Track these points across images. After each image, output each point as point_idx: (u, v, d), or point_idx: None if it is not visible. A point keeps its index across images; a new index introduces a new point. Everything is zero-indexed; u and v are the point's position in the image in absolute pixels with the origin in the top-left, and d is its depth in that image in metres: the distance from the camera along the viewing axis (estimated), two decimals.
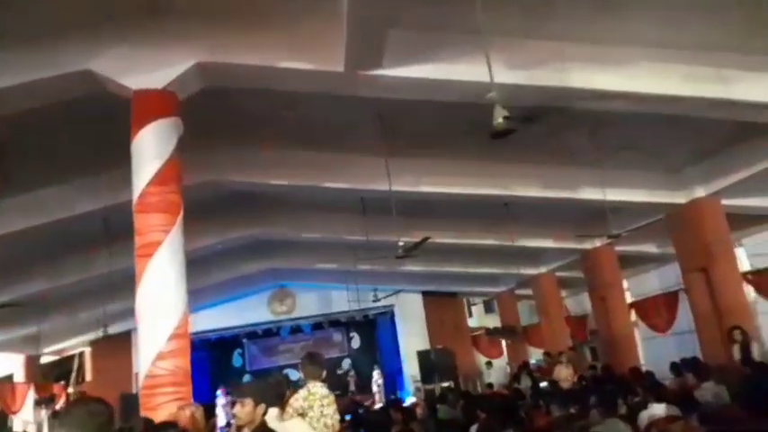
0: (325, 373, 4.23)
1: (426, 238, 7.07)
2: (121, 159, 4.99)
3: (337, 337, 18.90)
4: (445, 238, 10.24)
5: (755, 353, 7.35)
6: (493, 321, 18.20)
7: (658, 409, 5.35)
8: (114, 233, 8.22)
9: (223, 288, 14.40)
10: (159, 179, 4.65)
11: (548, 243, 11.36)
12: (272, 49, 4.91)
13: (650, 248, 11.68)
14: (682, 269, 8.96)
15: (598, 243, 11.19)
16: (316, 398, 3.88)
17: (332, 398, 4.07)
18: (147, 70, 4.82)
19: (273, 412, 3.27)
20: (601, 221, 10.35)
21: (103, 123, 5.73)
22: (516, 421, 5.88)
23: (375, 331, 18.70)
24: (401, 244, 6.85)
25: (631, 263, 12.42)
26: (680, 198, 8.64)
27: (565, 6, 4.91)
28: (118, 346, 13.57)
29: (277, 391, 3.35)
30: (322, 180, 8.12)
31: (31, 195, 7.46)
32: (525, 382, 10.59)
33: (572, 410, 6.50)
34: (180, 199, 4.80)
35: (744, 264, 9.52)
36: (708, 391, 5.52)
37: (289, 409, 3.82)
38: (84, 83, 4.92)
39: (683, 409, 4.75)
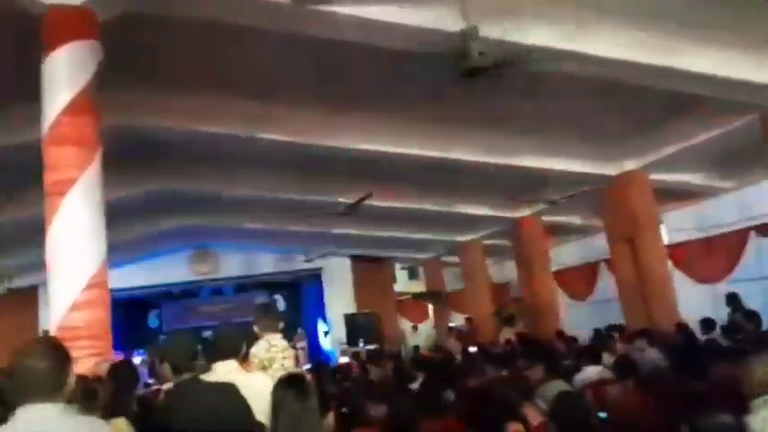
0: (282, 325, 3.93)
1: (369, 194, 6.81)
2: (32, 91, 4.37)
3: (261, 300, 18.44)
4: (382, 202, 10.01)
5: None
6: (416, 287, 18.38)
7: (592, 372, 5.44)
8: (19, 175, 7.43)
9: (140, 245, 13.56)
10: (74, 109, 4.09)
11: (482, 210, 11.40)
12: None
13: (575, 220, 12.02)
14: (609, 239, 9.23)
15: (527, 212, 11.37)
16: (278, 350, 3.57)
17: (291, 351, 3.79)
18: None
19: (230, 366, 2.94)
20: (532, 191, 10.54)
21: (8, 48, 5.03)
22: (451, 381, 5.87)
23: (300, 294, 18.42)
24: (340, 200, 6.56)
25: (554, 234, 12.74)
26: (611, 170, 8.83)
27: None
28: (23, 303, 12.67)
29: (235, 343, 3.00)
30: (255, 131, 7.61)
31: None
32: (454, 346, 10.71)
33: (504, 372, 6.60)
34: (97, 134, 4.26)
35: (663, 238, 9.90)
36: (646, 356, 5.66)
37: (254, 360, 3.49)
38: None
39: (620, 372, 4.82)
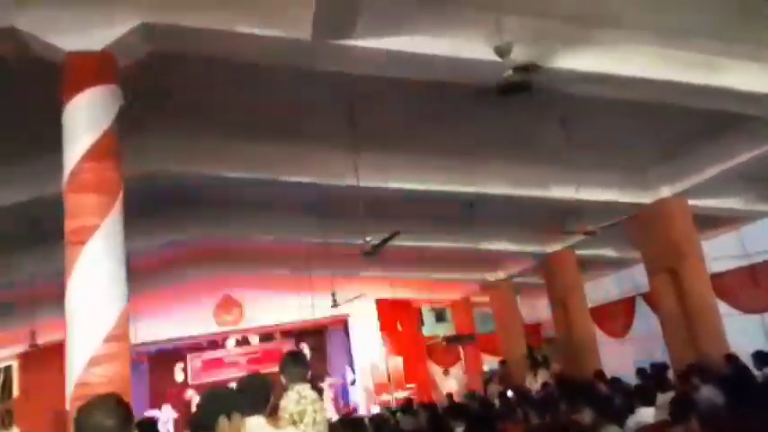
0: (309, 374, 3.65)
1: (396, 233, 6.58)
2: (52, 143, 4.29)
3: (287, 348, 18.10)
4: (408, 242, 9.73)
5: None
6: (444, 330, 17.91)
7: (646, 414, 5.03)
8: (43, 231, 7.35)
9: (164, 297, 13.44)
10: (95, 154, 3.96)
11: (510, 246, 11.07)
12: (230, 10, 4.33)
13: (609, 252, 11.60)
14: (648, 271, 8.81)
15: (559, 246, 11.01)
16: (308, 402, 3.28)
17: (321, 403, 3.50)
18: (83, 29, 4.14)
19: (259, 420, 2.68)
20: (563, 223, 10.20)
21: (28, 96, 4.99)
22: (493, 430, 5.49)
23: (326, 342, 18.06)
24: (369, 239, 6.32)
25: (587, 269, 12.32)
26: (645, 198, 8.50)
27: None
28: (50, 359, 12.51)
29: (263, 395, 2.75)
30: (279, 173, 7.48)
31: None
32: (494, 390, 10.24)
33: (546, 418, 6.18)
34: (119, 179, 4.13)
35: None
36: (702, 394, 5.23)
37: (284, 415, 3.20)
38: (5, 43, 4.20)
39: (679, 413, 4.41)
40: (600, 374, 9.33)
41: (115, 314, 3.67)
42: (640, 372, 8.51)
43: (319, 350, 17.98)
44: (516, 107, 6.36)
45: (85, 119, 4.04)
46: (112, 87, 4.24)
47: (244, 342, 17.51)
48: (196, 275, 12.52)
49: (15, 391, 13.75)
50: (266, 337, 17.22)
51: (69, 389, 3.54)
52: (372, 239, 6.37)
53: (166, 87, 5.63)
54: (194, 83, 5.74)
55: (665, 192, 8.34)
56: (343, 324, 17.02)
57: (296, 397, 3.29)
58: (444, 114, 6.60)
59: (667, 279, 8.35)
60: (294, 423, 3.16)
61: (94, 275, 3.69)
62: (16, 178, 6.70)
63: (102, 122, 4.02)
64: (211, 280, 13.27)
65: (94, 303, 3.64)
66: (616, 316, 12.51)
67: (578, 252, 11.08)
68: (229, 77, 5.61)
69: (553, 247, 11.03)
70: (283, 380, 3.46)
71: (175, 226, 9.52)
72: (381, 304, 16.60)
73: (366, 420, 7.85)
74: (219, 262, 12.43)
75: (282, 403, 3.24)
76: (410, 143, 7.26)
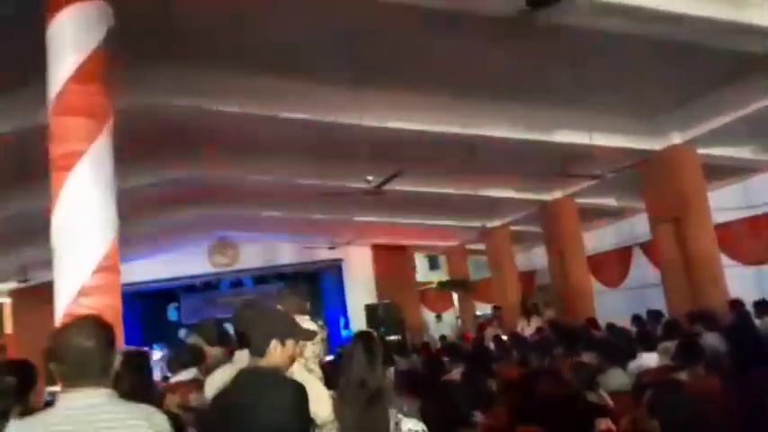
0: (308, 306, 3.49)
1: (399, 171, 6.36)
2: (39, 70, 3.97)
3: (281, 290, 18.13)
4: (406, 186, 9.53)
5: None
6: (437, 277, 17.97)
7: (649, 360, 4.97)
8: (33, 164, 7.08)
9: (158, 237, 13.29)
10: (81, 76, 3.69)
11: (511, 193, 10.90)
12: None
13: (609, 201, 11.46)
14: (651, 219, 8.68)
15: (560, 194, 10.84)
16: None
17: (323, 334, 3.36)
18: None
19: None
20: (567, 169, 10.00)
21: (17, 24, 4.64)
22: (491, 371, 5.45)
23: (320, 286, 18.10)
24: (370, 178, 6.11)
25: (586, 218, 12.20)
26: (656, 144, 8.27)
27: None
28: (41, 298, 12.54)
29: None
30: (276, 109, 7.18)
31: None
32: (490, 333, 10.28)
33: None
34: (108, 104, 3.86)
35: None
36: (705, 341, 5.16)
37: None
38: None
39: (686, 358, 4.34)
40: (593, 322, 9.31)
41: (105, 244, 3.49)
42: (636, 319, 8.50)
43: (313, 294, 18.06)
44: (526, 44, 6.11)
45: (71, 37, 3.75)
46: (101, 4, 3.92)
47: (237, 284, 17.51)
48: (191, 216, 12.33)
49: (8, 327, 13.78)
50: (260, 279, 17.19)
51: (57, 321, 3.38)
52: (373, 180, 6.14)
53: (167, 15, 5.27)
54: (196, 13, 5.39)
55: (676, 138, 8.10)
56: (337, 268, 17.00)
57: None
58: (452, 50, 6.27)
59: (670, 228, 8.23)
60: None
61: (82, 203, 3.49)
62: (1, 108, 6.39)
63: (89, 42, 3.74)
64: (206, 221, 13.09)
65: (83, 232, 3.44)
66: (612, 265, 12.49)
67: (578, 201, 10.92)
68: (231, 7, 5.27)
69: (554, 195, 10.86)
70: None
71: (172, 163, 9.26)
72: (376, 249, 16.58)
73: None
74: (215, 202, 12.22)
75: None
76: (415, 81, 6.94)
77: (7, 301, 13.80)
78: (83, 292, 3.35)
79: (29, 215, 8.74)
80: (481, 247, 14.89)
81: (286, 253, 16.10)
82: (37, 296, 12.47)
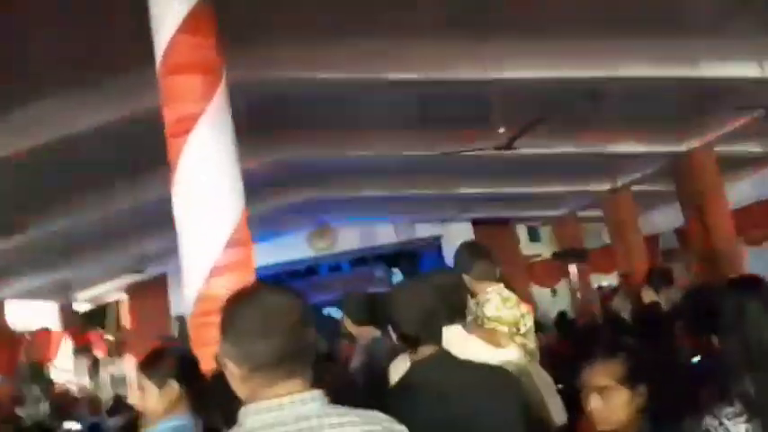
0: (499, 272, 2.86)
1: (540, 119, 5.57)
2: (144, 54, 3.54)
3: (379, 272, 17.81)
4: (523, 148, 8.63)
5: None
6: (539, 249, 16.94)
7: None
8: (139, 155, 6.92)
9: (258, 224, 13.17)
10: (190, 26, 3.21)
11: (636, 147, 9.75)
12: None
13: (753, 147, 10.05)
14: None
15: (696, 143, 9.57)
16: (514, 305, 2.47)
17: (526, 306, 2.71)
18: None
19: (460, 332, 1.91)
20: (701, 113, 8.81)
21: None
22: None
23: (419, 265, 17.57)
24: (502, 131, 5.38)
25: (724, 168, 10.81)
26: None
27: None
28: (153, 291, 12.94)
29: (458, 298, 1.97)
30: (382, 70, 6.57)
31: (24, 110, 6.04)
32: (619, 306, 9.24)
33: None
34: (221, 60, 3.37)
35: None
36: None
37: (497, 326, 2.40)
38: None
39: None
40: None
41: (234, 214, 3.01)
42: None
43: (413, 274, 17.58)
44: None
45: None
46: None
47: (336, 268, 17.35)
48: (291, 198, 12.08)
49: (125, 322, 14.27)
50: (358, 260, 16.90)
51: (188, 305, 2.93)
52: (499, 135, 5.40)
53: None
54: None
55: None
56: (437, 248, 16.39)
57: (498, 300, 2.46)
58: None
59: None
60: (512, 336, 2.35)
61: (204, 169, 3.01)
62: (104, 96, 6.18)
63: None
64: (305, 204, 12.82)
65: (208, 201, 2.97)
66: (757, 221, 11.02)
67: (718, 149, 9.62)
68: None
69: (689, 145, 9.59)
70: (467, 280, 2.64)
71: (272, 145, 8.91)
72: (476, 224, 15.80)
73: None
74: (311, 185, 11.92)
75: (489, 311, 2.40)
76: (539, 25, 6.09)
77: (123, 296, 14.26)
78: (215, 272, 2.88)
79: (141, 208, 8.75)
80: (595, 213, 13.74)
81: (384, 234, 15.68)
82: (149, 290, 12.83)
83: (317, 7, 5.58)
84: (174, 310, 12.39)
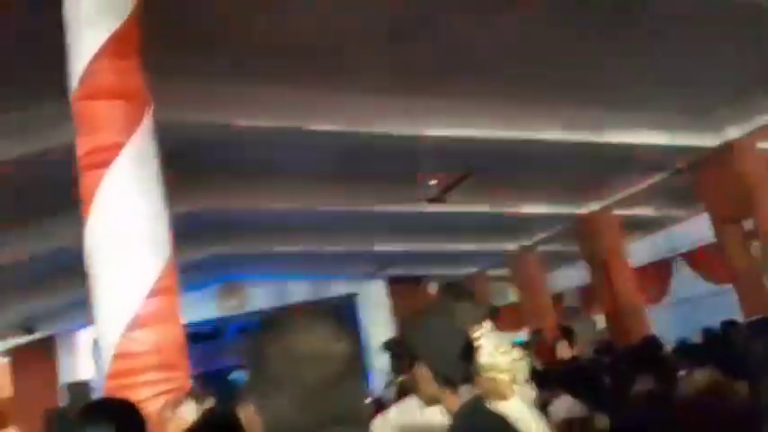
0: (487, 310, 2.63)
1: (468, 174, 5.61)
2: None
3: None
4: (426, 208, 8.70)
5: None
6: None
7: None
8: (31, 204, 6.26)
9: None
10: (115, 48, 2.91)
11: (541, 208, 10.19)
12: None
13: (648, 212, 10.80)
14: (714, 220, 7.97)
15: (597, 206, 10.15)
16: (508, 350, 2.22)
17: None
18: None
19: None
20: (603, 177, 9.38)
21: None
22: None
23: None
24: (433, 183, 5.35)
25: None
26: (711, 140, 7.64)
27: None
28: (40, 355, 11.59)
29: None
30: (307, 121, 6.44)
31: None
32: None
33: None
34: (147, 88, 3.09)
35: None
36: None
37: (496, 375, 2.13)
38: None
39: None
40: (655, 340, 8.51)
41: (160, 258, 2.66)
42: (706, 332, 7.71)
43: None
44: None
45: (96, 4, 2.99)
46: None
47: (245, 329, 16.50)
48: (202, 252, 11.40)
49: (7, 390, 12.55)
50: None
51: (103, 364, 2.52)
52: (429, 188, 5.39)
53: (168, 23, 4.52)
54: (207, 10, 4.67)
55: (733, 133, 7.49)
56: (351, 307, 16.10)
57: (491, 346, 2.23)
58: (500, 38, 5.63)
59: (737, 229, 7.54)
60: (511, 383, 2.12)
61: (126, 206, 2.66)
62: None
63: (124, 6, 2.96)
64: (215, 259, 12.17)
65: (130, 243, 2.61)
66: (651, 280, 11.76)
67: (617, 212, 10.25)
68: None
69: (590, 208, 10.16)
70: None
71: (184, 196, 8.39)
72: (392, 282, 15.74)
73: None
74: (221, 239, 11.34)
75: (485, 359, 2.15)
76: (452, 85, 6.26)
77: (5, 360, 12.61)
78: (136, 323, 2.50)
79: (30, 263, 7.86)
80: (502, 271, 14.16)
81: (296, 292, 15.21)
82: (35, 354, 11.48)
83: (247, 50, 5.40)
84: (63, 377, 11.20)
